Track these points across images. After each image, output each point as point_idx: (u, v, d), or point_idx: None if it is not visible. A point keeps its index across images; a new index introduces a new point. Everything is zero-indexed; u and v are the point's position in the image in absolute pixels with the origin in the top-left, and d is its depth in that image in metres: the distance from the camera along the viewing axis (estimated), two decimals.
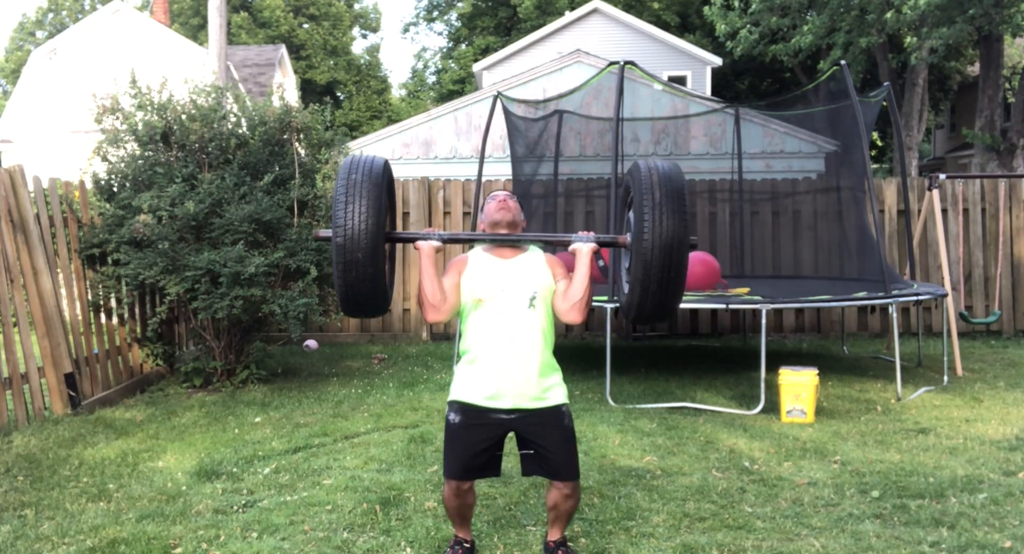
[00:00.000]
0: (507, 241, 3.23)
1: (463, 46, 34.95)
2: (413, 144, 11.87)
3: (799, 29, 16.75)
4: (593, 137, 11.05)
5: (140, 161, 6.67)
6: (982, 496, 4.01)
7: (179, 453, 4.89)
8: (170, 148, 6.73)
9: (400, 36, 67.83)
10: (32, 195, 5.96)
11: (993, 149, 16.59)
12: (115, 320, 6.86)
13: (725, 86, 26.22)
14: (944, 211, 9.47)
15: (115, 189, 6.85)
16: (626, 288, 3.25)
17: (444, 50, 38.10)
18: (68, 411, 5.84)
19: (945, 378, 6.89)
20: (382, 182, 3.03)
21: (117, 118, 6.81)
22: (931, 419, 5.63)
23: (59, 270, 6.26)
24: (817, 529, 3.65)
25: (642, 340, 9.75)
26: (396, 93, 44.61)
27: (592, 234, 3.21)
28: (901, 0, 14.24)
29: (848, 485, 4.22)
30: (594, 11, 20.41)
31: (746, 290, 7.28)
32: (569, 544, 3.39)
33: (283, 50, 25.27)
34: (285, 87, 7.86)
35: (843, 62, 7.24)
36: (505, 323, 3.15)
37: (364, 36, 43.53)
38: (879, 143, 29.98)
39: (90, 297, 6.59)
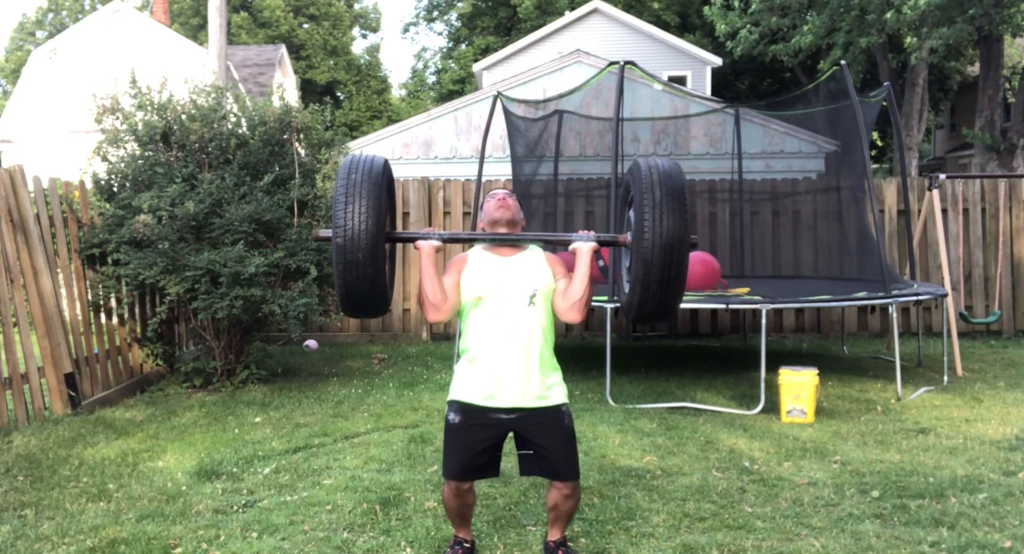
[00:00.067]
0: (507, 240, 3.23)
1: (463, 46, 34.95)
2: (413, 144, 11.87)
3: (799, 29, 16.75)
4: (593, 137, 11.05)
5: (140, 161, 6.67)
6: (982, 496, 4.01)
7: (179, 453, 4.89)
8: (170, 148, 6.73)
9: (400, 36, 67.96)
10: (32, 195, 5.96)
11: (993, 149, 16.59)
12: (115, 320, 6.86)
13: (725, 86, 26.22)
14: (944, 211, 9.47)
15: (115, 189, 6.85)
16: (627, 287, 3.24)
17: (444, 50, 38.11)
18: (68, 411, 5.84)
19: (945, 378, 6.89)
20: (382, 182, 3.03)
21: (117, 118, 6.81)
22: (931, 419, 5.63)
23: (59, 270, 6.26)
24: (817, 529, 3.65)
25: (642, 340, 9.75)
26: (396, 93, 44.63)
27: (592, 233, 3.21)
28: (901, 0, 14.24)
29: (848, 485, 4.22)
30: (594, 11, 20.42)
31: (746, 290, 7.28)
32: (569, 544, 3.39)
33: (283, 50, 25.27)
34: (285, 87, 7.86)
35: (843, 62, 7.24)
36: (505, 321, 3.15)
37: (364, 36, 43.55)
38: (879, 143, 29.99)
39: (90, 297, 6.59)
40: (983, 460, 4.63)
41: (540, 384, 3.16)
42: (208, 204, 6.37)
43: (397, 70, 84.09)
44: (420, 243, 3.18)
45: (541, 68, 12.46)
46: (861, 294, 6.74)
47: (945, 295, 7.19)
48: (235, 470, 4.54)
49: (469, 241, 3.42)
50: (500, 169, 10.70)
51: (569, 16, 20.92)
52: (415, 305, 9.68)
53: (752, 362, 6.89)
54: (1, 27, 73.86)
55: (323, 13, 38.02)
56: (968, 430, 5.32)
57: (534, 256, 3.26)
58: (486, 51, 30.32)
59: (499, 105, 8.54)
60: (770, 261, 9.84)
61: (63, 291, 6.22)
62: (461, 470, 3.21)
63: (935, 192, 7.86)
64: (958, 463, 4.57)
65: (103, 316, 6.73)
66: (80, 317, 6.39)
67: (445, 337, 9.55)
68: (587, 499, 4.03)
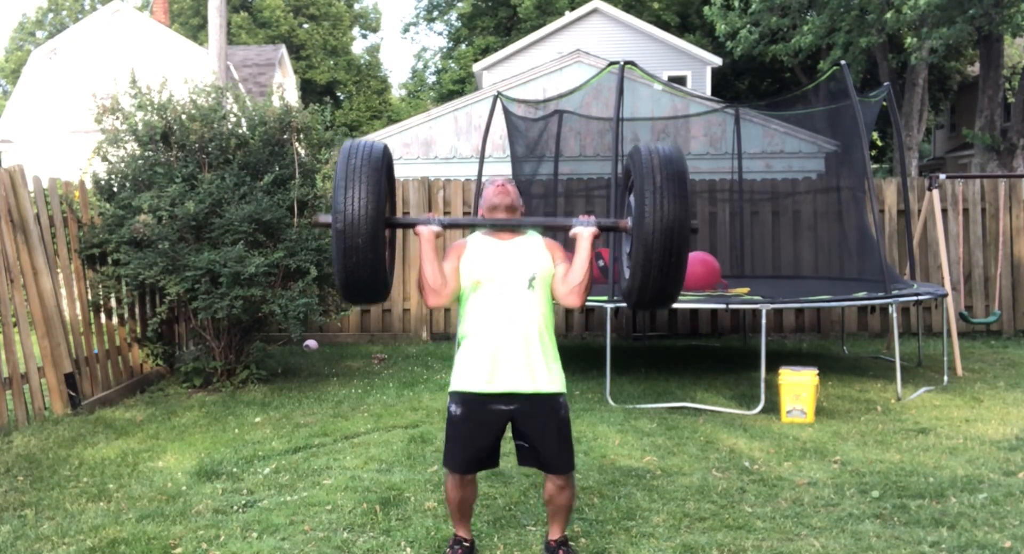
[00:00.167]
0: (507, 225, 3.24)
1: (463, 46, 34.95)
2: (413, 144, 11.87)
3: (799, 29, 16.74)
4: (593, 137, 11.05)
5: (140, 161, 6.67)
6: (982, 496, 4.01)
7: (179, 453, 4.89)
8: (170, 148, 6.73)
9: (400, 36, 67.93)
10: (32, 195, 5.96)
11: (993, 149, 16.58)
12: (115, 320, 6.86)
13: (725, 86, 26.22)
14: (944, 211, 9.47)
15: (115, 189, 6.85)
16: (627, 273, 3.23)
17: (444, 50, 38.11)
18: (68, 411, 5.84)
19: (945, 378, 6.89)
20: (381, 166, 3.02)
21: (117, 118, 6.81)
22: (931, 419, 5.63)
23: (59, 270, 6.26)
24: (817, 529, 3.65)
25: (642, 340, 9.75)
26: (396, 93, 44.63)
27: (592, 218, 3.22)
28: (901, 0, 14.23)
29: (848, 485, 4.22)
30: (594, 11, 20.41)
31: (746, 290, 7.28)
32: (570, 543, 3.39)
33: (283, 50, 25.27)
34: (285, 87, 7.86)
35: (843, 62, 7.24)
36: (504, 304, 3.16)
37: (364, 36, 43.55)
38: (879, 143, 29.98)
39: (90, 297, 6.59)
40: (983, 460, 4.62)
41: (539, 368, 3.17)
42: (208, 204, 6.37)
43: (397, 70, 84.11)
44: (420, 228, 3.20)
45: (541, 68, 12.45)
46: (861, 294, 6.74)
47: (945, 295, 7.19)
48: (235, 470, 4.54)
49: (469, 227, 3.43)
50: (500, 169, 10.69)
51: (569, 16, 20.91)
52: (415, 305, 9.68)
53: (752, 362, 6.89)
54: (1, 27, 73.90)
55: (323, 13, 38.01)
56: (968, 430, 5.32)
57: (533, 241, 3.28)
58: (486, 51, 30.32)
59: (499, 105, 8.54)
60: (770, 261, 9.84)
61: (63, 291, 6.22)
62: (463, 462, 3.23)
63: (935, 192, 7.86)
64: (958, 463, 4.57)
65: (103, 316, 6.73)
66: (80, 317, 6.39)
67: (445, 337, 9.55)
68: (587, 499, 4.03)
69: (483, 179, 8.53)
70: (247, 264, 6.20)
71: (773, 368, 6.00)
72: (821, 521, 3.73)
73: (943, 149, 28.74)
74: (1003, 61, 17.38)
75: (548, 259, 3.24)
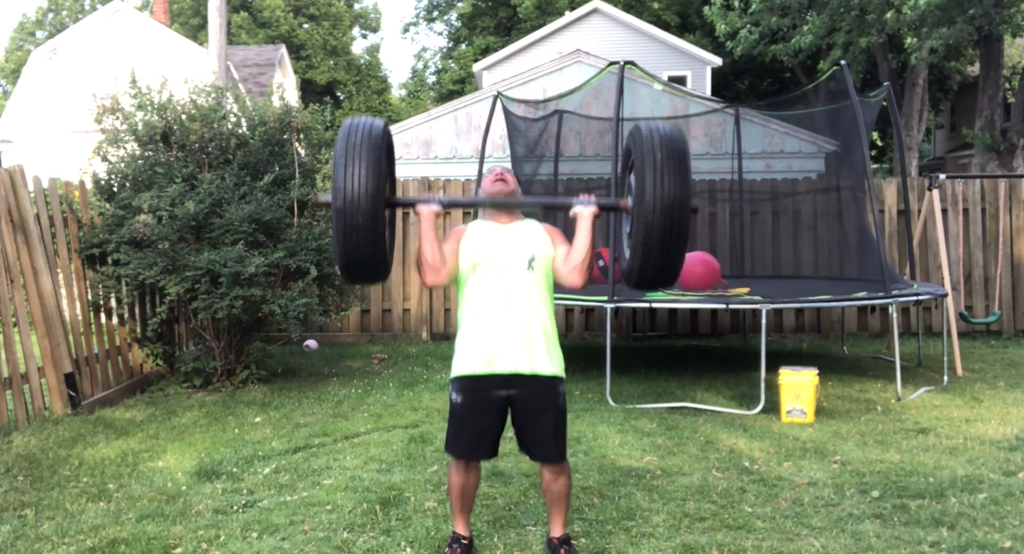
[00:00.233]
0: (508, 205, 3.29)
1: (463, 46, 34.95)
2: (413, 144, 11.87)
3: (799, 29, 16.74)
4: (593, 137, 11.04)
5: (140, 161, 6.67)
6: (982, 496, 4.01)
7: (179, 453, 4.89)
8: (170, 148, 6.73)
9: (400, 36, 67.91)
10: (32, 195, 5.96)
11: (993, 149, 16.58)
12: (115, 320, 6.86)
13: (725, 86, 26.21)
14: (944, 211, 9.47)
15: (115, 189, 6.85)
16: (627, 254, 3.23)
17: (444, 50, 38.10)
18: (68, 411, 5.84)
19: (945, 378, 6.89)
20: (382, 144, 3.01)
21: (117, 118, 6.82)
22: (931, 419, 5.63)
23: (59, 270, 6.26)
24: (817, 529, 3.65)
25: (642, 340, 9.75)
26: (396, 93, 44.62)
27: (593, 197, 3.23)
28: (901, 0, 14.23)
29: (848, 485, 4.22)
30: (594, 11, 20.41)
31: (746, 290, 7.28)
32: (572, 542, 3.40)
33: (283, 50, 25.27)
34: (285, 87, 7.86)
35: (843, 62, 7.24)
36: (504, 286, 3.19)
37: (364, 36, 43.54)
38: (879, 143, 29.98)
39: (90, 297, 6.59)
40: (983, 460, 4.62)
41: (539, 350, 3.19)
42: (208, 204, 6.37)
43: (397, 70, 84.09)
44: (420, 207, 3.21)
45: (541, 68, 12.45)
46: (861, 294, 6.74)
47: (945, 295, 7.19)
48: (235, 470, 4.54)
49: (470, 206, 3.46)
50: None
51: (569, 16, 20.91)
52: (415, 305, 9.68)
53: (752, 362, 6.89)
54: (1, 27, 73.90)
55: (323, 13, 38.01)
56: (968, 430, 5.32)
57: (532, 226, 3.32)
58: (486, 51, 30.32)
59: (499, 105, 8.54)
60: (770, 261, 9.84)
61: (63, 291, 6.22)
62: (465, 447, 3.26)
63: (935, 192, 7.86)
64: (958, 463, 4.57)
65: (103, 316, 6.73)
66: (80, 317, 6.39)
67: (445, 337, 9.54)
68: (587, 499, 4.03)
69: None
70: (247, 264, 6.20)
71: (773, 368, 6.00)
72: (821, 521, 3.73)
73: (943, 149, 28.74)
74: (1003, 61, 17.38)
75: (547, 242, 3.28)
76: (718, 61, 20.28)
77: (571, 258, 3.21)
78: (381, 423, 5.61)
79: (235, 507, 3.96)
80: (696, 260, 7.40)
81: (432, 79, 40.33)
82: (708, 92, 19.74)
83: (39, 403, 5.76)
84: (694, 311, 9.75)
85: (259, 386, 6.87)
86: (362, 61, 40.55)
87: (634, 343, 9.60)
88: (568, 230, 3.35)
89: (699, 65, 20.13)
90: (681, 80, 19.78)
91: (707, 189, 10.02)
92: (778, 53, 17.71)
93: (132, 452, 4.91)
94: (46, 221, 6.12)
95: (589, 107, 10.21)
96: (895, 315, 6.60)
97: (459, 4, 34.65)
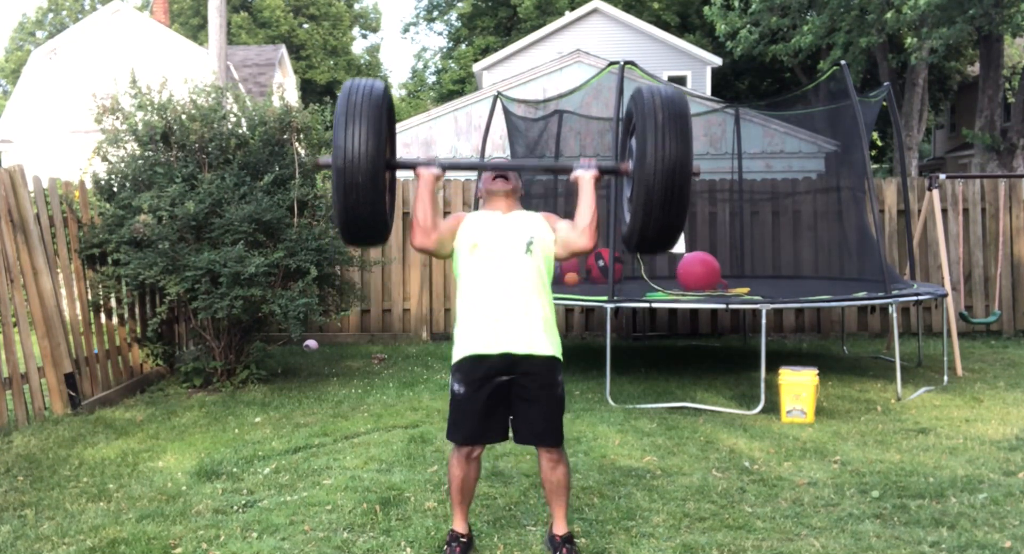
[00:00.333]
0: (509, 169, 3.36)
1: (463, 46, 34.95)
2: (413, 144, 11.87)
3: (799, 29, 16.74)
4: (593, 137, 11.03)
5: (140, 161, 6.67)
6: (982, 496, 4.01)
7: (179, 453, 4.89)
8: (170, 148, 6.73)
9: (400, 36, 67.90)
10: (32, 195, 5.96)
11: (993, 149, 16.58)
12: (115, 320, 6.86)
13: (725, 86, 26.21)
14: (944, 211, 9.47)
15: (115, 189, 6.85)
16: (627, 218, 3.24)
17: (444, 50, 38.11)
18: (68, 411, 5.84)
19: (945, 378, 6.89)
20: (382, 104, 3.01)
21: (117, 118, 6.81)
22: (931, 419, 5.63)
23: (59, 270, 6.26)
24: (817, 529, 3.65)
25: (642, 340, 9.75)
26: (396, 93, 44.61)
27: (593, 161, 3.26)
28: (901, 0, 14.23)
29: (848, 485, 4.22)
30: (594, 11, 20.41)
31: (746, 290, 7.28)
32: (575, 541, 3.40)
33: (283, 50, 25.26)
34: (285, 87, 7.86)
35: (843, 62, 7.24)
36: (502, 269, 3.22)
37: (364, 36, 43.54)
38: (879, 143, 29.98)
39: (90, 297, 6.59)
40: (983, 460, 4.62)
41: (537, 332, 3.22)
42: (208, 204, 6.37)
43: (397, 70, 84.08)
44: (420, 170, 3.24)
45: (541, 68, 12.46)
46: (861, 294, 6.74)
47: (945, 295, 7.19)
48: (235, 470, 4.54)
49: (470, 169, 3.50)
50: None
51: (569, 16, 20.91)
52: (415, 305, 9.69)
53: (752, 362, 6.89)
54: (1, 27, 73.89)
55: (323, 13, 38.01)
56: (968, 430, 5.32)
57: (531, 214, 3.36)
58: (486, 51, 30.32)
59: (499, 105, 8.54)
60: (770, 261, 9.84)
61: (63, 291, 6.22)
62: (466, 434, 3.28)
63: (935, 192, 7.86)
64: (958, 463, 4.57)
65: (103, 316, 6.73)
66: (80, 317, 6.39)
67: (445, 337, 9.54)
68: (587, 499, 4.03)
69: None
70: (247, 264, 6.20)
71: (773, 368, 6.00)
72: (821, 521, 3.73)
73: (943, 149, 28.74)
74: (1003, 61, 17.38)
75: (546, 227, 3.31)
76: (718, 61, 20.28)
77: (578, 222, 3.24)
78: (381, 423, 5.61)
79: (235, 507, 3.96)
80: (696, 260, 7.40)
81: (432, 79, 40.35)
82: (708, 92, 19.74)
83: (39, 403, 5.76)
84: (694, 311, 9.76)
85: (259, 386, 6.87)
86: (362, 61, 40.56)
87: (634, 343, 9.60)
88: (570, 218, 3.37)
89: (699, 65, 20.13)
90: (681, 80, 19.77)
91: (707, 189, 10.02)
92: (778, 53, 17.71)
93: (132, 452, 4.91)
94: (46, 221, 6.12)
95: (589, 107, 10.21)
96: (895, 315, 6.60)
97: (459, 4, 34.65)
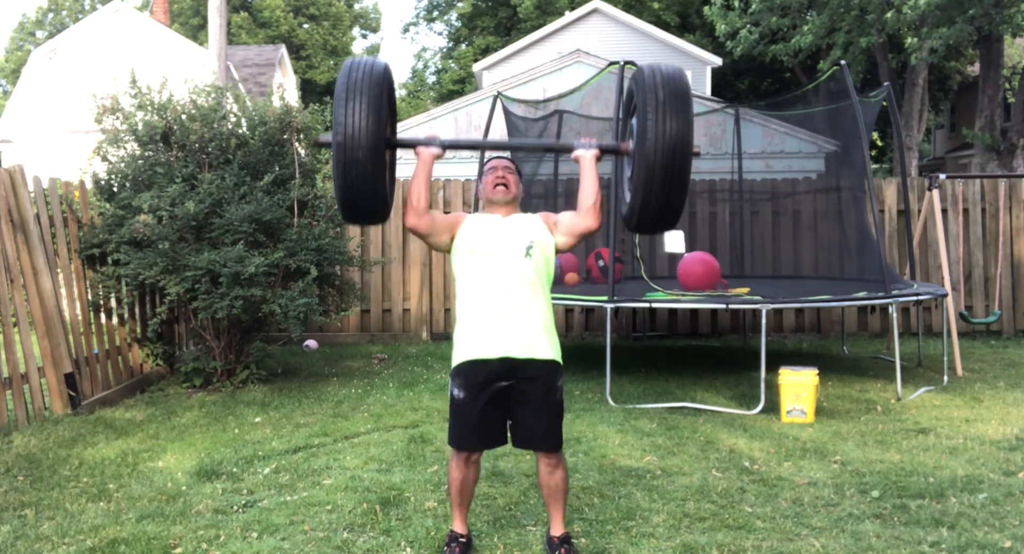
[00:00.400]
0: (510, 149, 3.33)
1: (463, 46, 34.94)
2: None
3: (799, 29, 16.73)
4: (593, 137, 11.03)
5: (140, 161, 6.67)
6: (982, 496, 4.01)
7: (179, 453, 4.89)
8: (170, 148, 6.73)
9: (400, 36, 67.91)
10: (32, 195, 5.96)
11: (993, 149, 16.58)
12: (115, 320, 6.86)
13: (725, 86, 26.21)
14: (944, 211, 9.47)
15: (115, 189, 6.85)
16: (627, 197, 3.23)
17: (444, 50, 38.10)
18: (68, 411, 5.84)
19: (945, 378, 6.89)
20: (383, 82, 3.01)
21: (117, 118, 6.82)
22: (931, 419, 5.63)
23: (59, 270, 6.26)
24: (817, 529, 3.65)
25: (642, 340, 9.75)
26: (396, 93, 44.57)
27: (594, 140, 3.26)
28: (901, 0, 14.23)
29: (848, 485, 4.22)
30: (594, 11, 20.41)
31: (746, 290, 7.28)
32: (572, 541, 3.40)
33: (283, 50, 25.26)
34: (285, 87, 7.86)
35: (843, 62, 7.24)
36: (501, 272, 3.21)
37: (364, 36, 43.53)
38: (879, 143, 29.97)
39: (90, 297, 6.59)
40: (983, 460, 4.62)
41: (537, 335, 3.21)
42: (208, 204, 6.37)
43: (397, 70, 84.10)
44: (420, 149, 3.26)
45: (541, 68, 12.46)
46: (861, 294, 6.74)
47: (945, 295, 7.19)
48: (235, 470, 4.54)
49: (471, 148, 3.50)
50: None
51: (569, 16, 20.91)
52: (415, 305, 9.69)
53: (752, 362, 6.89)
54: (1, 27, 73.89)
55: (323, 13, 38.01)
56: (968, 430, 5.32)
57: (531, 216, 3.36)
58: (486, 51, 30.31)
59: (499, 105, 8.54)
60: (770, 261, 9.84)
61: (63, 291, 6.22)
62: (465, 438, 3.28)
63: (935, 192, 7.86)
64: (958, 463, 4.57)
65: (103, 316, 6.73)
66: (80, 317, 6.39)
67: (445, 337, 9.54)
68: (587, 499, 4.03)
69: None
70: (247, 264, 6.20)
71: (773, 368, 6.00)
72: (821, 521, 3.73)
73: (943, 149, 28.74)
74: (1003, 61, 17.37)
75: (545, 231, 3.30)
76: (718, 61, 20.28)
77: (582, 203, 3.24)
78: (381, 423, 5.61)
79: (235, 507, 3.96)
80: (696, 260, 7.40)
81: (432, 79, 40.33)
82: (708, 92, 19.75)
83: (39, 403, 5.76)
84: (694, 311, 9.76)
85: (259, 386, 6.87)
86: None
87: (634, 343, 9.60)
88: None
89: (699, 65, 20.13)
90: None
91: (707, 189, 10.02)
92: (778, 53, 17.70)
93: (132, 452, 4.91)
94: (46, 221, 6.12)
95: (589, 107, 10.21)
96: (895, 315, 6.60)
97: (459, 4, 34.64)
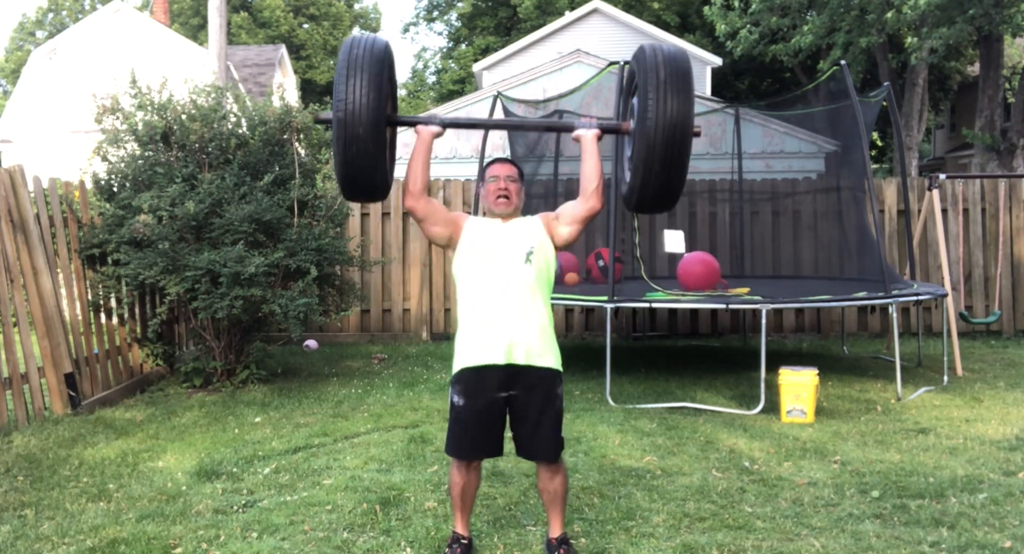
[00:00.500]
0: (511, 128, 3.33)
1: (463, 46, 34.94)
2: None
3: (799, 29, 16.73)
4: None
5: (140, 161, 6.67)
6: (982, 496, 4.01)
7: (179, 453, 4.89)
8: (170, 148, 6.73)
9: (400, 36, 67.79)
10: (32, 195, 5.96)
11: (993, 149, 16.58)
12: (115, 320, 6.86)
13: (725, 86, 26.20)
14: (944, 211, 9.47)
15: (115, 189, 6.85)
16: (628, 177, 3.22)
17: (444, 50, 38.10)
18: (68, 411, 5.84)
19: (945, 378, 6.89)
20: (384, 58, 3.01)
21: (117, 118, 6.82)
22: (931, 419, 5.63)
23: (59, 270, 6.26)
24: (817, 529, 3.65)
25: (642, 340, 9.75)
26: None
27: (595, 120, 3.26)
28: (901, 0, 14.23)
29: (848, 485, 4.22)
30: (594, 11, 20.41)
31: (746, 290, 7.28)
32: (571, 541, 3.40)
33: (283, 50, 25.26)
34: (285, 87, 7.86)
35: (843, 62, 7.24)
36: (501, 278, 3.21)
37: None
38: (879, 143, 29.97)
39: (90, 297, 6.59)
40: (983, 460, 4.62)
41: (537, 342, 3.20)
42: (208, 204, 6.37)
43: (397, 70, 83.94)
44: (420, 128, 3.26)
45: (541, 68, 12.46)
46: (861, 294, 6.74)
47: (945, 295, 7.19)
48: (235, 470, 4.54)
49: (472, 127, 3.49)
50: None
51: (569, 16, 20.90)
52: (415, 305, 9.69)
53: (752, 362, 6.89)
54: (1, 27, 73.89)
55: (323, 13, 38.01)
56: (968, 430, 5.32)
57: (530, 221, 3.34)
58: (486, 51, 30.31)
59: (499, 105, 8.54)
60: (770, 261, 9.84)
61: (63, 291, 6.22)
62: (464, 447, 3.27)
63: (935, 192, 7.86)
64: (958, 463, 4.57)
65: (103, 316, 6.73)
66: (80, 317, 6.39)
67: (445, 337, 9.54)
68: (587, 499, 4.03)
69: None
70: (247, 264, 6.20)
71: (773, 368, 6.00)
72: (821, 521, 3.73)
73: (943, 149, 28.74)
74: (1003, 61, 17.37)
75: (544, 234, 3.29)
76: (718, 61, 20.27)
77: (584, 187, 3.23)
78: (381, 423, 5.61)
79: (235, 507, 3.96)
80: (696, 260, 7.40)
81: (432, 79, 40.34)
82: (708, 92, 19.73)
83: (39, 403, 5.76)
84: (694, 311, 9.75)
85: (259, 386, 6.87)
86: None
87: (634, 343, 9.60)
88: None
89: (699, 65, 20.09)
90: None
91: (707, 189, 10.02)
92: (778, 53, 17.69)
93: (132, 452, 4.91)
94: (46, 221, 6.12)
95: (589, 107, 10.20)
96: (895, 315, 6.60)
97: (459, 4, 34.64)
